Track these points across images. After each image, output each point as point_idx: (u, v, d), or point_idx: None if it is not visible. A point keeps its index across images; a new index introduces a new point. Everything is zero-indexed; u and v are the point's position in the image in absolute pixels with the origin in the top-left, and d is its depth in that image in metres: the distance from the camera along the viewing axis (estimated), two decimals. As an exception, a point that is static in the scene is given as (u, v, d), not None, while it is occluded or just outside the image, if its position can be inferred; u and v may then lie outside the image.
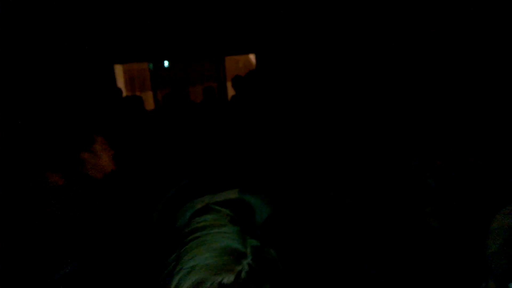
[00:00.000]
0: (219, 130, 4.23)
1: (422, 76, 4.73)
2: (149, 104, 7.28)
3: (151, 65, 6.77)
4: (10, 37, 4.88)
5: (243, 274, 0.59)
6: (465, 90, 3.82)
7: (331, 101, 5.22)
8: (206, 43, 5.80)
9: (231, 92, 6.45)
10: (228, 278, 0.58)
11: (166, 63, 7.74)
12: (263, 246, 0.64)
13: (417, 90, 4.51)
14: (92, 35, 5.44)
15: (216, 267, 0.59)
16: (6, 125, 3.52)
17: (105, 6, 5.35)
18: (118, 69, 6.60)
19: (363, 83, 5.34)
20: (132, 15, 5.52)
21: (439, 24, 4.66)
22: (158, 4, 5.55)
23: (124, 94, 5.83)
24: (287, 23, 5.66)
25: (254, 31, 5.76)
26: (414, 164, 2.25)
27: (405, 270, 1.69)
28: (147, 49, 5.81)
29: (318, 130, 4.57)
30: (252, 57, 8.08)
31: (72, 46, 5.36)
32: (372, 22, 5.33)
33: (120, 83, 6.74)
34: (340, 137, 4.27)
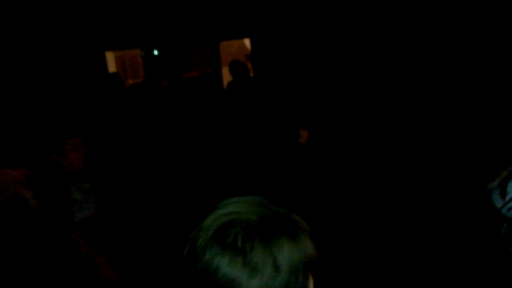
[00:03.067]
0: (219, 118, 4.13)
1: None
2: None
3: (143, 53, 6.60)
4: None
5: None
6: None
7: (328, 89, 5.14)
8: (201, 28, 5.64)
9: (226, 78, 6.32)
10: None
11: (155, 52, 7.55)
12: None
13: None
14: (81, 20, 5.25)
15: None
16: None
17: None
18: (110, 57, 6.41)
19: (359, 69, 5.25)
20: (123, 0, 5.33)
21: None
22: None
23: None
24: (282, 5, 5.51)
25: (249, 15, 5.61)
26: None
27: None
28: (139, 35, 5.63)
29: (315, 118, 4.50)
30: (245, 41, 7.93)
31: (60, 34, 5.16)
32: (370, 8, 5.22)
33: (112, 71, 6.56)
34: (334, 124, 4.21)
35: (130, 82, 7.61)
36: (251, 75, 5.74)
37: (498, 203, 0.74)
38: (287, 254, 0.58)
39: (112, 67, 6.53)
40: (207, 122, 4.17)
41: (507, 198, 0.72)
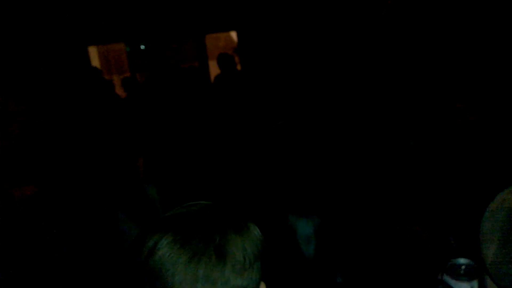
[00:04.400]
0: (205, 112, 4.05)
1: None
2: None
3: (128, 47, 6.45)
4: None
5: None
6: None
7: (316, 82, 5.09)
8: (186, 21, 5.52)
9: (213, 71, 6.22)
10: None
11: (142, 46, 7.41)
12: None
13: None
14: (62, 14, 5.09)
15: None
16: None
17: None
18: (93, 51, 6.26)
19: (347, 62, 5.21)
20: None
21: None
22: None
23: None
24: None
25: (236, 7, 5.50)
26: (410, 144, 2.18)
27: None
28: (122, 29, 5.49)
29: (304, 112, 4.45)
30: (233, 34, 7.83)
31: (42, 27, 5.00)
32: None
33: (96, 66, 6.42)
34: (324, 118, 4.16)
35: (115, 77, 7.46)
36: (238, 68, 5.66)
37: None
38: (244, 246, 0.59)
39: (95, 63, 6.39)
40: (195, 116, 4.10)
41: None
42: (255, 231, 0.61)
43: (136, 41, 6.44)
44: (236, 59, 5.80)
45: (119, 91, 4.86)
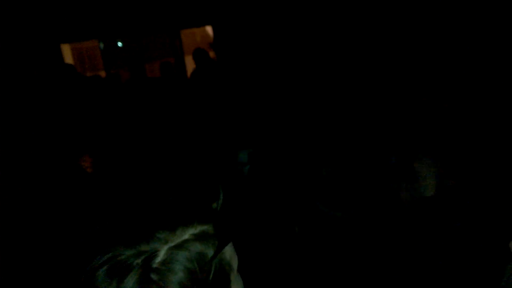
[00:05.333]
0: (181, 106, 4.06)
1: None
2: (103, 84, 6.86)
3: (101, 44, 6.32)
4: None
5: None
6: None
7: (293, 77, 5.13)
8: (159, 16, 5.47)
9: (189, 67, 6.19)
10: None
11: (119, 43, 7.30)
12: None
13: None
14: (34, 11, 4.97)
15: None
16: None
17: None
18: (66, 49, 6.13)
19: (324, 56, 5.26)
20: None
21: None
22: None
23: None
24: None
25: (211, 1, 5.48)
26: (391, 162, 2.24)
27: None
28: (95, 25, 5.39)
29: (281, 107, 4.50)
30: (209, 30, 7.80)
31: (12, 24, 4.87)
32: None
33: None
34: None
35: (89, 75, 7.34)
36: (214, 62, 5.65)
37: None
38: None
39: (69, 60, 6.27)
40: (172, 111, 4.10)
41: None
42: (196, 245, 0.59)
43: (110, 37, 6.34)
44: (212, 54, 5.80)
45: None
